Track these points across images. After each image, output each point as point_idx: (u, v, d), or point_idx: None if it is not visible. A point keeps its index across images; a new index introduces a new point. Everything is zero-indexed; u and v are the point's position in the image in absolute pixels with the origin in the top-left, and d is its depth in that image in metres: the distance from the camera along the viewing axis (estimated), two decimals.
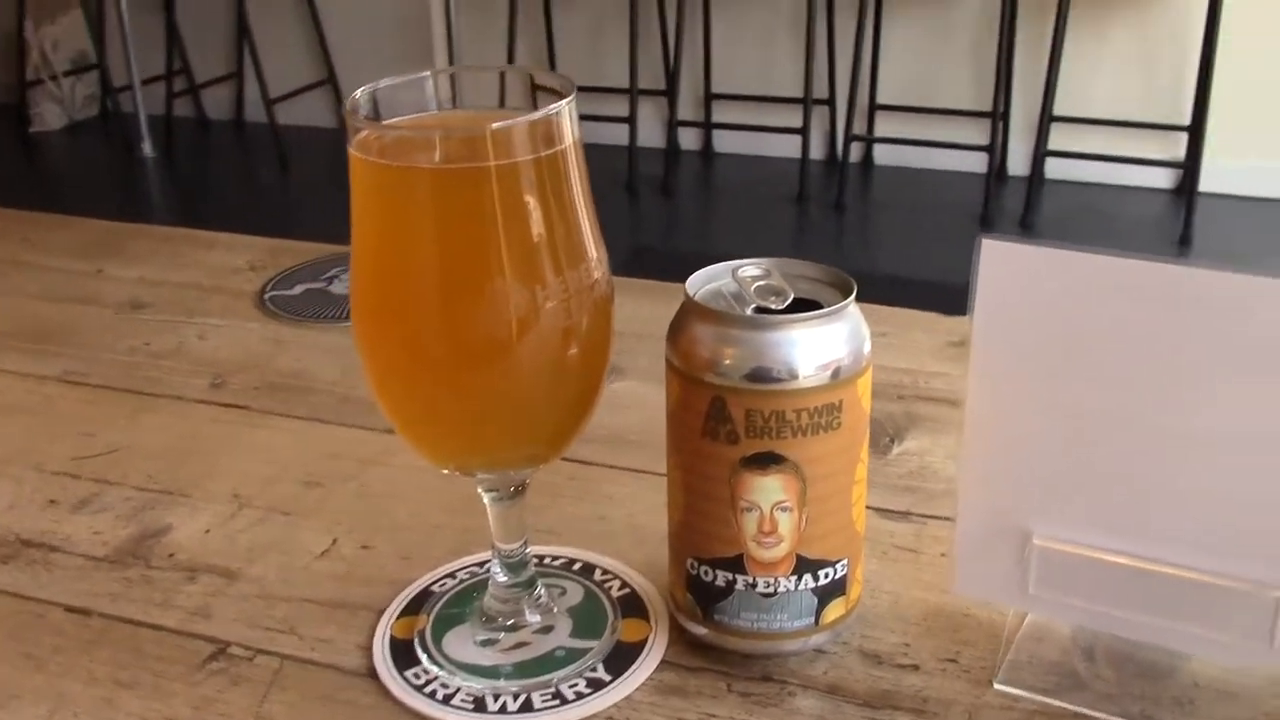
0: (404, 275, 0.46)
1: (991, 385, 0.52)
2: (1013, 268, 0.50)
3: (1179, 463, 0.49)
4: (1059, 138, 3.77)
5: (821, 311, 0.49)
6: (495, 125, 0.44)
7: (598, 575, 0.59)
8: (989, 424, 0.53)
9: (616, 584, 0.58)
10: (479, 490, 0.52)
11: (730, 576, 0.51)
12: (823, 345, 0.49)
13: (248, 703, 0.52)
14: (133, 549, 0.62)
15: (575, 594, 0.57)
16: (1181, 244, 3.53)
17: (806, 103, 3.89)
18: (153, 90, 4.51)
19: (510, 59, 4.13)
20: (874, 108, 4.03)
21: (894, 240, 3.69)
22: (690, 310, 0.50)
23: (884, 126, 4.06)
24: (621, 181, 4.04)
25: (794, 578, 0.51)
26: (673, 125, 4.13)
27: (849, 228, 3.84)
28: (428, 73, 0.48)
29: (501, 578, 0.54)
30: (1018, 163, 3.94)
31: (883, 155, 4.12)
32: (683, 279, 0.51)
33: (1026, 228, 3.68)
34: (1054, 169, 3.86)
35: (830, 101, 4.08)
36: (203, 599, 0.58)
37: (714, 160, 4.34)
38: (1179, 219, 3.59)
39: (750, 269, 0.52)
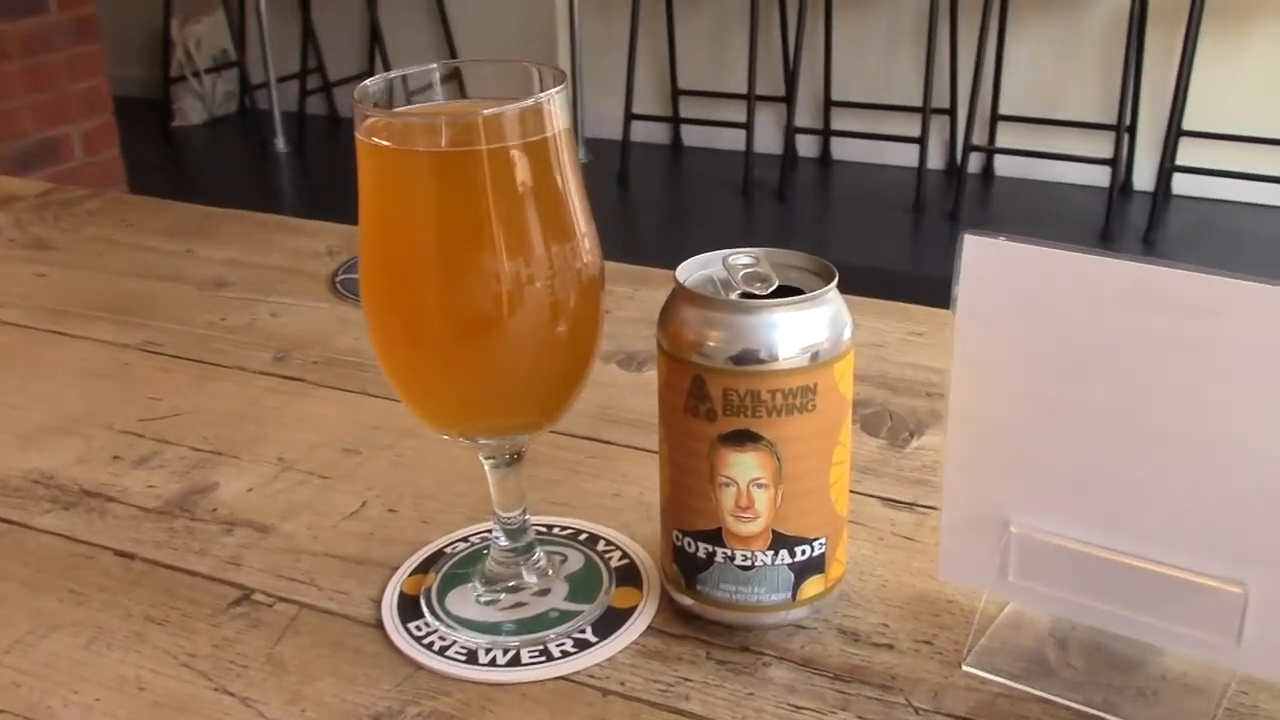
0: (400, 253, 0.50)
1: (973, 377, 0.54)
2: (994, 263, 0.52)
3: (1153, 459, 0.50)
4: (1188, 153, 3.68)
5: (798, 298, 0.51)
6: (486, 111, 0.47)
7: (600, 546, 0.62)
8: (971, 415, 0.54)
9: (617, 554, 0.61)
10: (480, 458, 0.56)
11: (710, 549, 0.54)
12: (799, 329, 0.51)
13: (262, 644, 0.56)
14: (180, 502, 0.67)
15: (576, 561, 0.60)
16: None
17: (926, 111, 3.87)
18: (288, 88, 4.68)
19: (631, 63, 4.19)
20: (995, 118, 3.99)
21: None
22: (678, 295, 0.53)
23: (1005, 137, 4.01)
24: (737, 187, 4.07)
25: (770, 553, 0.53)
26: (790, 132, 4.13)
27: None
28: (434, 65, 0.51)
29: (502, 542, 0.58)
30: (1144, 177, 3.85)
31: (1003, 166, 4.07)
32: None
33: (1150, 244, 3.60)
34: (1182, 185, 3.77)
35: (951, 111, 4.04)
36: (236, 550, 0.63)
37: (831, 168, 4.34)
38: None
39: (740, 257, 0.54)
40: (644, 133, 4.38)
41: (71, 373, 0.83)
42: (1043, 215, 3.83)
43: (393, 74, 0.51)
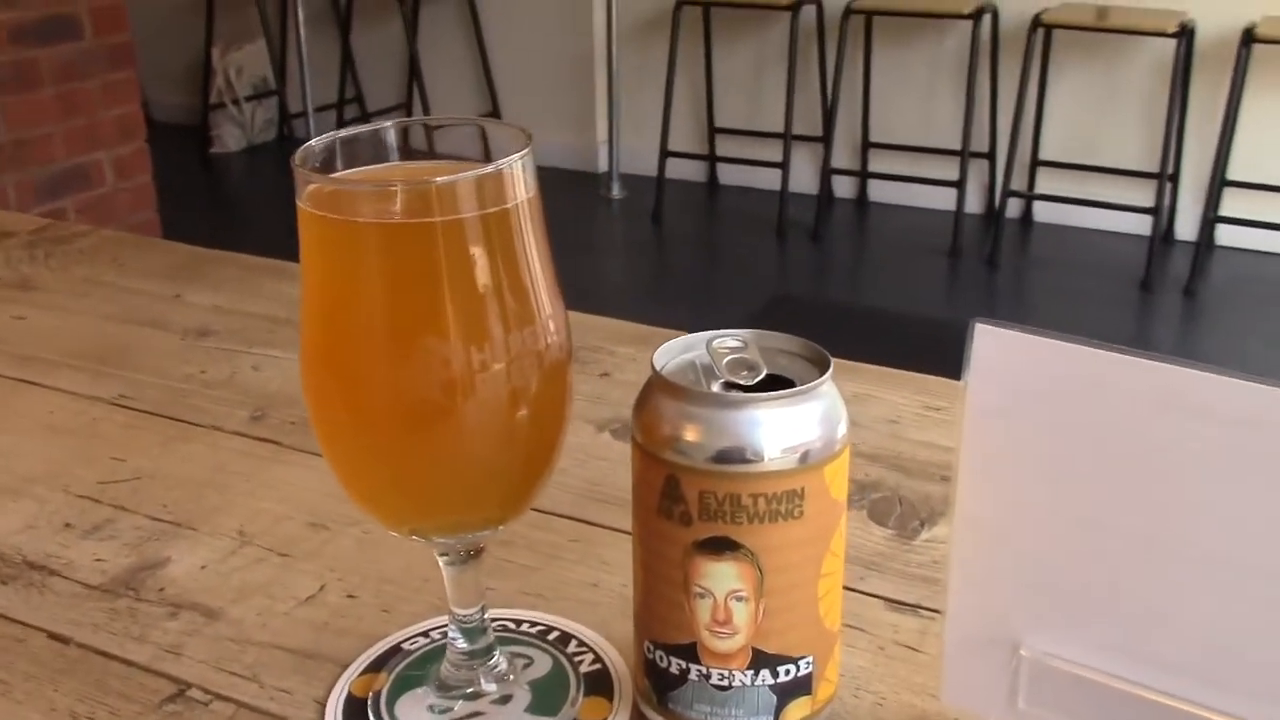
0: (342, 334, 0.45)
1: (982, 480, 0.48)
2: (1007, 356, 0.47)
3: (1182, 583, 0.45)
4: (1232, 203, 3.61)
5: (787, 391, 0.46)
6: (440, 180, 0.43)
7: (571, 647, 0.56)
8: (979, 522, 0.49)
9: (589, 658, 0.56)
10: (434, 554, 0.51)
11: (684, 665, 0.48)
12: (787, 426, 0.46)
13: None
14: (127, 580, 0.62)
15: (543, 665, 0.55)
16: None
17: (964, 155, 3.81)
18: (326, 117, 4.69)
19: (668, 100, 4.16)
20: (1035, 163, 3.93)
21: (1047, 300, 3.57)
22: (653, 383, 0.47)
23: (1045, 183, 3.95)
24: (772, 227, 4.02)
25: (750, 672, 0.48)
26: (827, 172, 4.09)
27: (1001, 285, 3.74)
28: (389, 124, 0.47)
29: (460, 644, 0.53)
30: (1186, 227, 3.78)
31: (1042, 212, 4.01)
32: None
33: (1190, 295, 3.53)
34: (1225, 235, 3.70)
35: (990, 155, 3.98)
36: (178, 637, 0.58)
37: (867, 209, 4.28)
38: None
39: (726, 340, 0.49)
40: (680, 170, 4.35)
41: (35, 427, 0.78)
42: (1082, 263, 3.75)
43: (342, 133, 0.46)
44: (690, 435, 0.46)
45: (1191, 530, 0.44)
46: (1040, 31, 3.66)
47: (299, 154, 0.44)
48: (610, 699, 0.53)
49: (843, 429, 0.47)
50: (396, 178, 0.46)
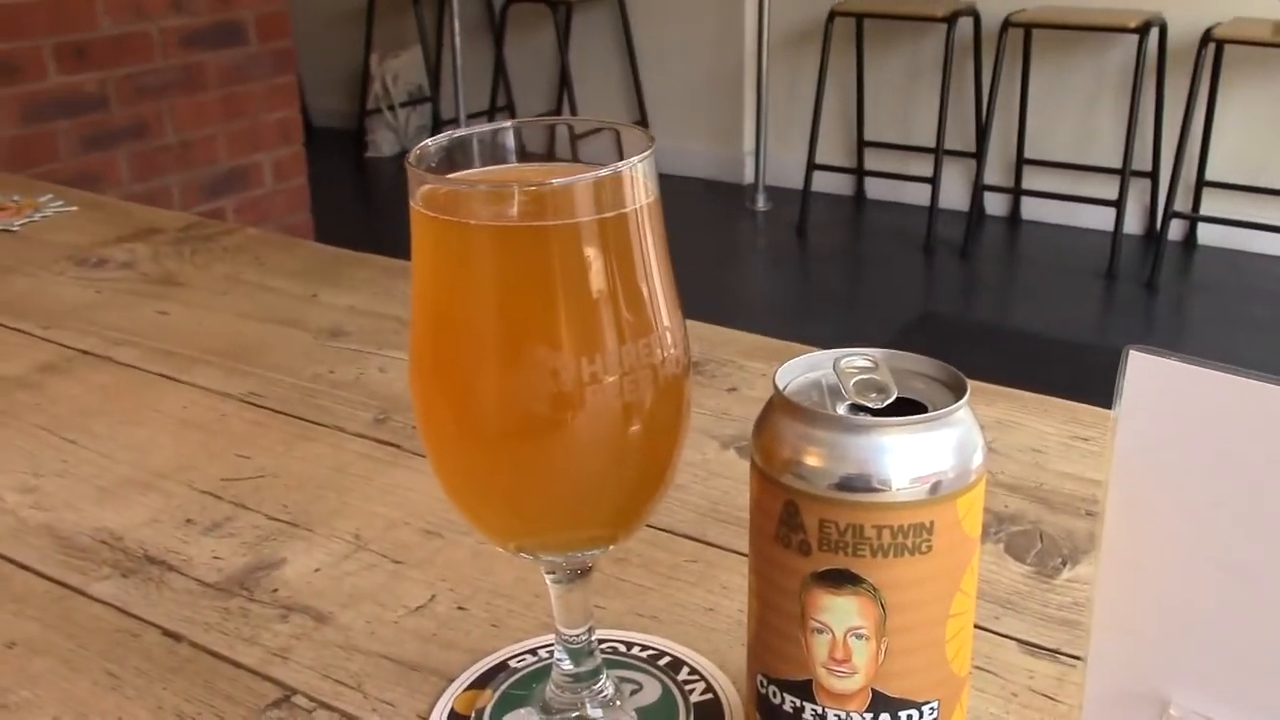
0: (453, 337, 0.44)
1: (1132, 521, 0.44)
2: (1164, 388, 0.43)
3: None
4: None
5: (919, 417, 0.43)
6: (557, 181, 0.41)
7: (683, 674, 0.54)
8: (1128, 566, 0.45)
9: (700, 687, 0.53)
10: (541, 571, 0.49)
11: (798, 703, 0.45)
12: (917, 454, 0.42)
13: None
14: (242, 579, 0.62)
15: (652, 691, 0.53)
16: None
17: (1125, 173, 3.68)
18: (477, 124, 4.75)
19: (817, 112, 4.11)
20: (1201, 183, 3.76)
21: (1211, 328, 3.41)
22: (774, 404, 0.45)
23: (1211, 204, 3.78)
24: (919, 243, 3.93)
25: (869, 716, 0.45)
26: (978, 188, 3.98)
27: (1160, 310, 3.59)
28: (507, 124, 0.45)
29: (565, 665, 0.51)
30: None
31: (1208, 235, 3.83)
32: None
33: None
34: None
35: (1153, 174, 3.83)
36: (288, 640, 0.57)
37: (1020, 228, 4.16)
38: None
39: (855, 360, 0.46)
40: (827, 183, 4.29)
41: (167, 421, 0.79)
42: (1250, 290, 3.58)
43: (458, 133, 0.45)
44: (811, 460, 0.43)
45: None
46: (1211, 46, 3.51)
47: (414, 153, 0.43)
48: None
49: (978, 459, 0.44)
50: (512, 179, 0.44)
